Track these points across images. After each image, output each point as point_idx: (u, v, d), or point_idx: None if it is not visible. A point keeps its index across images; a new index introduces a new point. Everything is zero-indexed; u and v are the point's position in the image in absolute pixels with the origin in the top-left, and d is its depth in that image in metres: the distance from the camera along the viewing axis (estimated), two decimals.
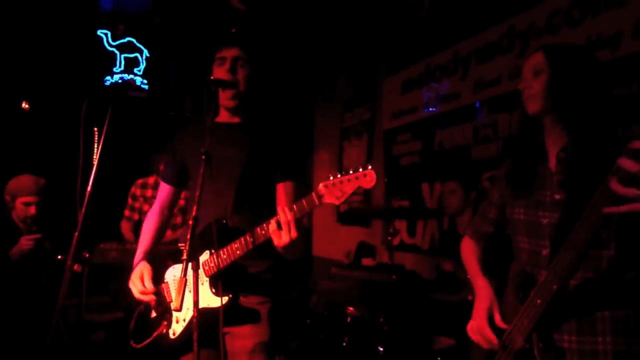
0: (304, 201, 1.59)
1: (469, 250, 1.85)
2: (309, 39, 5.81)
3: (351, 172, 1.52)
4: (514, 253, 1.66)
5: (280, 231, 1.60)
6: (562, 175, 1.50)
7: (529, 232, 1.56)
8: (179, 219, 4.10)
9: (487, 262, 1.79)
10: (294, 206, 1.60)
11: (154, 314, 2.00)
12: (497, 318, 1.57)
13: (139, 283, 1.92)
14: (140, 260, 2.01)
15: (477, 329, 1.60)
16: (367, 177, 1.50)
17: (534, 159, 1.58)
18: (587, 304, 1.44)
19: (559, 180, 1.50)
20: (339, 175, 1.54)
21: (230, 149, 1.95)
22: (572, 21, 3.25)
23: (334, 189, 1.53)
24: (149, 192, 4.26)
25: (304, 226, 1.80)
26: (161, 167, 4.20)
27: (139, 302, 1.99)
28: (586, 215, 1.29)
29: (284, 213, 1.60)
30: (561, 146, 1.52)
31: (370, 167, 1.51)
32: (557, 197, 1.49)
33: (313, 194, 1.57)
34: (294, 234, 1.59)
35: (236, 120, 2.05)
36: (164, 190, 2.16)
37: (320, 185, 1.56)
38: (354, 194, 1.54)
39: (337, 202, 1.54)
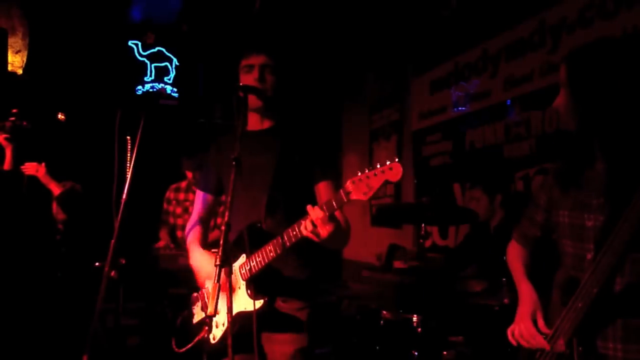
0: (332, 200, 1.60)
1: (515, 255, 1.81)
2: (335, 41, 5.81)
3: (378, 166, 1.51)
4: (560, 257, 1.61)
5: (314, 229, 1.61)
6: (607, 178, 1.44)
7: (572, 235, 1.52)
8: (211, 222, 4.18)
9: (535, 267, 1.74)
10: (323, 205, 1.61)
11: (196, 319, 2.04)
12: (541, 323, 1.53)
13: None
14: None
15: (523, 332, 1.56)
16: (393, 169, 1.48)
17: (584, 161, 1.53)
18: (634, 310, 1.37)
19: (604, 183, 1.45)
20: (366, 171, 1.53)
21: (260, 157, 1.97)
22: (606, 13, 3.15)
23: (360, 184, 1.53)
24: (181, 195, 4.42)
25: (341, 224, 1.79)
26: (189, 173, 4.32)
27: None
28: (625, 217, 1.25)
29: (314, 211, 1.61)
30: None
31: (397, 159, 1.50)
32: (603, 199, 1.44)
33: (341, 191, 1.58)
34: (325, 232, 1.61)
35: (266, 125, 2.06)
36: (200, 198, 2.19)
37: (348, 182, 1.56)
38: (381, 188, 1.52)
39: (364, 198, 1.53)
